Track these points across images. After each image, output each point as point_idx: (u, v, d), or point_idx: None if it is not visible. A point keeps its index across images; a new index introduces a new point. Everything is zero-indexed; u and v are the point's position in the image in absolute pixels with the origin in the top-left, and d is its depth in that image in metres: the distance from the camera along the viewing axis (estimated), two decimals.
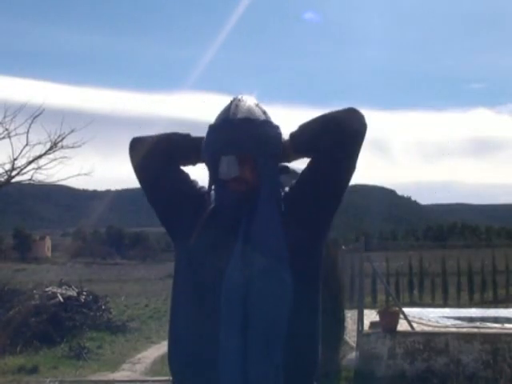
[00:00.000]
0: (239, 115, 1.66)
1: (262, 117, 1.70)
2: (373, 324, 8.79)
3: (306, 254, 1.65)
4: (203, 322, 1.59)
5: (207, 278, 1.61)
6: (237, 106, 1.69)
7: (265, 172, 1.65)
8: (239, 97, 1.73)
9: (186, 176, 1.81)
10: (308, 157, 1.69)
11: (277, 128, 1.71)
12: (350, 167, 1.65)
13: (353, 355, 8.49)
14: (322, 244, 1.72)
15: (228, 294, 1.56)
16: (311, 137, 1.64)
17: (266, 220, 1.62)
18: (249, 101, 1.72)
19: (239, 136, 1.63)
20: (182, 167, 1.81)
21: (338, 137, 1.60)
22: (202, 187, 1.80)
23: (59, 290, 13.11)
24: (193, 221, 1.69)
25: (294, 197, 1.69)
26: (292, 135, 1.69)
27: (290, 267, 1.58)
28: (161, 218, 1.83)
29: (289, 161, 1.76)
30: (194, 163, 1.80)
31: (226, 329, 1.54)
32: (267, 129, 1.67)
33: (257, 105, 1.73)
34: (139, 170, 1.80)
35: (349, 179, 1.67)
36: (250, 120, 1.66)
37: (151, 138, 1.79)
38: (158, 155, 1.75)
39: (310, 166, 1.67)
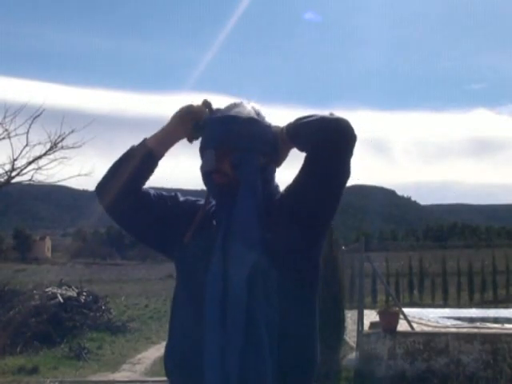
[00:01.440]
0: (225, 114, 1.70)
1: (250, 115, 1.70)
2: (373, 324, 8.80)
3: (298, 254, 1.63)
4: (196, 322, 1.58)
5: (199, 278, 1.62)
6: (228, 107, 1.73)
7: (242, 166, 1.66)
8: (238, 101, 1.75)
9: (160, 198, 1.80)
10: (300, 149, 1.69)
11: (266, 126, 1.72)
12: (342, 169, 1.64)
13: (353, 355, 8.50)
14: (317, 246, 1.70)
15: (209, 289, 1.57)
16: (308, 129, 1.64)
17: (242, 214, 1.62)
18: (245, 104, 1.74)
19: (218, 131, 1.68)
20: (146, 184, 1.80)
21: (334, 137, 1.59)
22: (187, 199, 1.83)
23: (59, 291, 13.12)
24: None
25: (287, 197, 1.69)
26: (288, 124, 1.71)
27: (279, 266, 1.57)
28: (162, 249, 1.86)
29: (281, 152, 1.76)
30: (149, 165, 1.78)
31: (207, 326, 1.54)
32: (249, 125, 1.68)
33: (252, 107, 1.74)
34: (117, 208, 1.79)
35: (342, 182, 1.65)
36: (231, 117, 1.68)
37: (107, 179, 1.78)
38: (124, 184, 1.74)
39: (303, 166, 1.66)
